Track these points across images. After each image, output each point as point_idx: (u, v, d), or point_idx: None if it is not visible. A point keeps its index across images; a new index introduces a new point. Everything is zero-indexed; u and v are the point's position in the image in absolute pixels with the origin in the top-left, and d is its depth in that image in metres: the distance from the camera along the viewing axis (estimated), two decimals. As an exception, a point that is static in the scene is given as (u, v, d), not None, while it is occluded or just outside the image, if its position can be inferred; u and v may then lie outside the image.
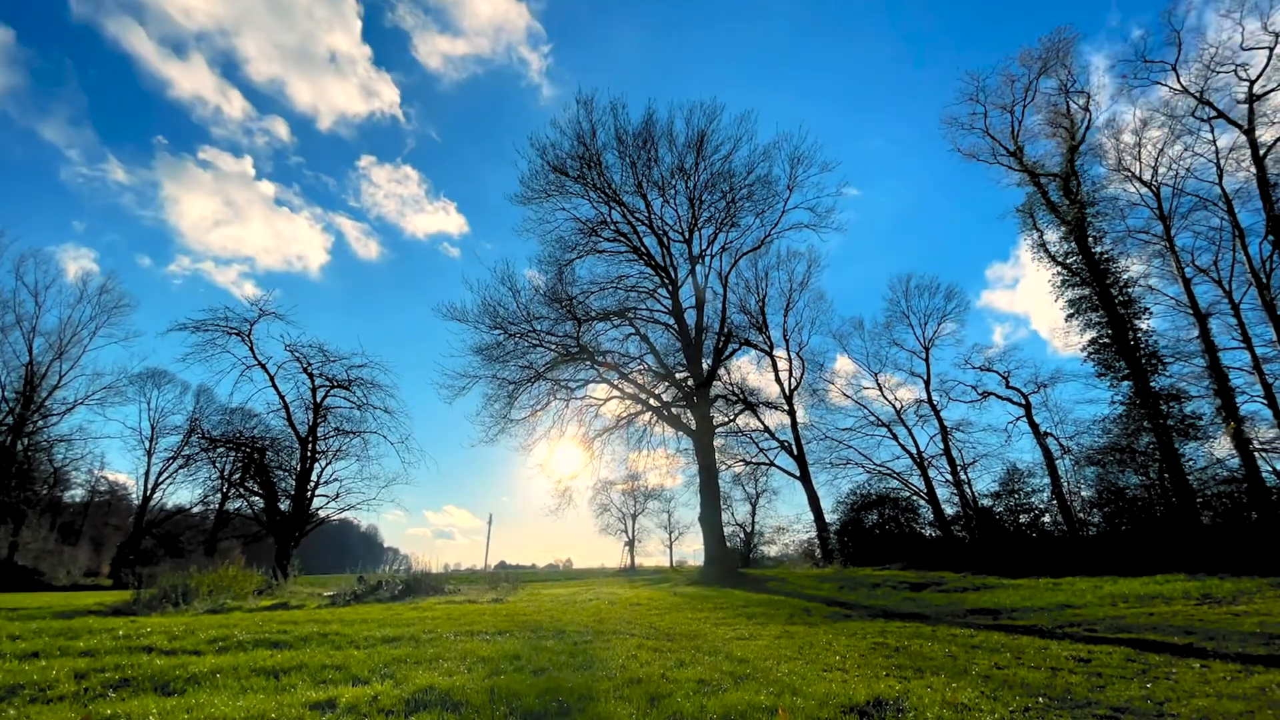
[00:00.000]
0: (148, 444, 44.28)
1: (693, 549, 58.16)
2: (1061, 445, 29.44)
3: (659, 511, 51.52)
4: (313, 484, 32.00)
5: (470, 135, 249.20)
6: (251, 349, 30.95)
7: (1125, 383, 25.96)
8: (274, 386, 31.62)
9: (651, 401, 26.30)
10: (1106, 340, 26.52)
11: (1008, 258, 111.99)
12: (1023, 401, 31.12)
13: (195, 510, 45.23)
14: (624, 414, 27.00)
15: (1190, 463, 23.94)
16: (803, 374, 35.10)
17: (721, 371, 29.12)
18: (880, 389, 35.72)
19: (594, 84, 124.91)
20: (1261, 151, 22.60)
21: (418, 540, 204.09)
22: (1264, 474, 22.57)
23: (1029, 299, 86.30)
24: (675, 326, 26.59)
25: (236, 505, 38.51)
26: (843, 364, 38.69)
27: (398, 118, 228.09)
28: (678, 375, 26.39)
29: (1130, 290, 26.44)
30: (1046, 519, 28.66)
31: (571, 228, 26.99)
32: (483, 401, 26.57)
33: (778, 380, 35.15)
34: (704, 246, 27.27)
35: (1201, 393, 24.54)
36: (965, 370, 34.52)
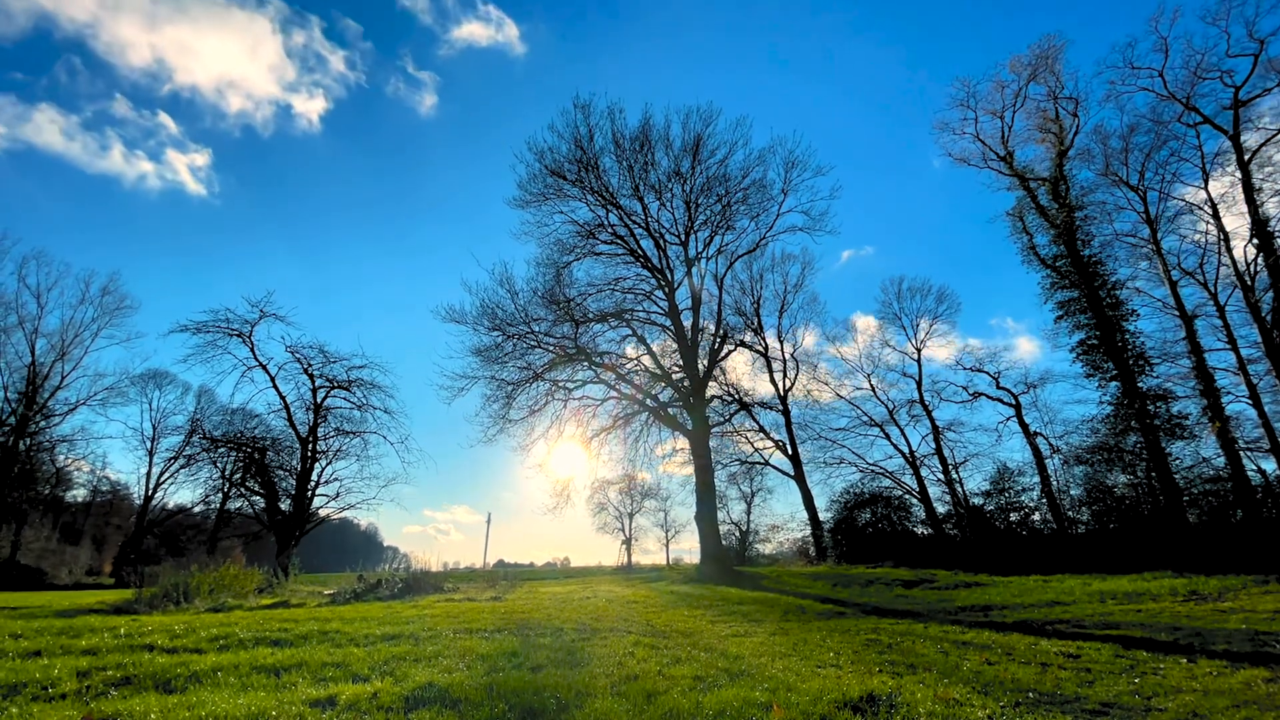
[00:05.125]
0: (149, 444, 44.04)
1: (689, 547, 58.34)
2: (1051, 445, 29.83)
3: (655, 510, 51.43)
4: (313, 484, 32.06)
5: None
6: (252, 350, 31.11)
7: (1113, 383, 26.31)
8: (275, 387, 31.75)
9: (648, 402, 26.39)
10: (1095, 342, 26.87)
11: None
12: (1013, 402, 31.46)
13: (196, 510, 45.18)
14: (621, 414, 27.08)
15: (1177, 462, 24.32)
16: (797, 375, 35.33)
17: (717, 372, 29.27)
18: (873, 389, 36.04)
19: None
20: (1246, 156, 22.90)
21: (417, 538, 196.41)
22: (1249, 473, 22.94)
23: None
24: (672, 328, 26.68)
25: (237, 505, 38.57)
26: (837, 365, 38.94)
27: None
28: (674, 376, 26.49)
29: (1118, 293, 26.80)
30: (1036, 517, 29.07)
31: (569, 230, 26.99)
32: (481, 402, 26.53)
33: (772, 381, 35.36)
34: (700, 249, 27.38)
35: (1188, 393, 24.91)
36: (957, 371, 34.92)
